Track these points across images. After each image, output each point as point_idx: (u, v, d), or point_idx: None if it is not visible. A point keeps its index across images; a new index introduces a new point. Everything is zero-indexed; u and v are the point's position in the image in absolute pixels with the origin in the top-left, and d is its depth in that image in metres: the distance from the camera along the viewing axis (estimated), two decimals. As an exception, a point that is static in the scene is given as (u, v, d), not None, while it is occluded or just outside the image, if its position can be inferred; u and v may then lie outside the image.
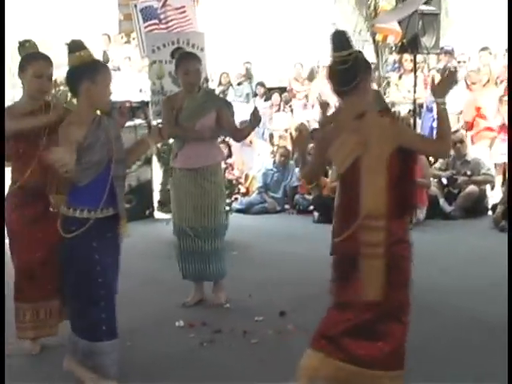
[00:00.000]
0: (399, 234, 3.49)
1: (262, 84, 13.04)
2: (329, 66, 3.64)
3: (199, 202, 5.54)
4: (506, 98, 9.98)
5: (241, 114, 9.68)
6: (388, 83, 11.55)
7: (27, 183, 4.39)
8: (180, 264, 5.76)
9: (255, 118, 5.37)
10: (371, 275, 3.44)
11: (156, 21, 8.90)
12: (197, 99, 5.51)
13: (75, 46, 3.82)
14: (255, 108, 5.46)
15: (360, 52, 3.61)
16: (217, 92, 9.20)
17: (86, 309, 3.85)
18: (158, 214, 9.36)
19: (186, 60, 5.52)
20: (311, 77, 12.53)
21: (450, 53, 11.98)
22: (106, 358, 3.88)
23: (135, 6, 9.26)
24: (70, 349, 4.01)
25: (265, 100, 12.73)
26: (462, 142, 9.68)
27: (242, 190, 8.53)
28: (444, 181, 9.52)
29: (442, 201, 9.28)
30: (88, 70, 3.77)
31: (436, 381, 4.12)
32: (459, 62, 11.51)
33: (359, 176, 3.43)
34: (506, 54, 11.23)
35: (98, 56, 13.33)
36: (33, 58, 4.42)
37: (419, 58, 11.26)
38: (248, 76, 12.88)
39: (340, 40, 3.52)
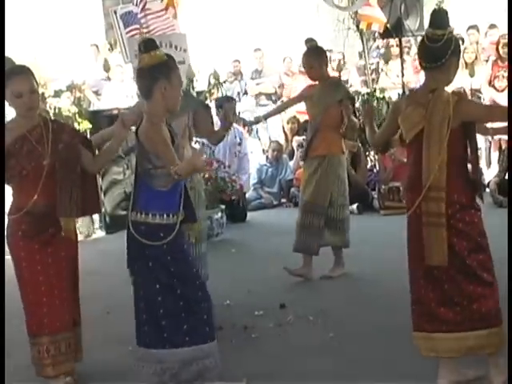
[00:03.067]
0: (463, 202, 3.65)
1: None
2: (421, 41, 3.81)
3: None
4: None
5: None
6: (374, 70, 11.49)
7: (35, 207, 4.02)
8: None
9: (227, 119, 5.26)
10: (434, 242, 3.63)
11: (137, 26, 8.82)
12: None
13: (149, 46, 3.68)
14: (225, 109, 5.34)
15: (451, 33, 3.71)
16: (206, 91, 9.16)
17: (187, 313, 3.72)
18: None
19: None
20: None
21: (436, 34, 11.91)
22: (211, 360, 3.77)
23: (115, 12, 9.21)
24: (148, 372, 3.80)
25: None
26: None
27: (237, 187, 8.51)
28: None
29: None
30: (164, 70, 3.67)
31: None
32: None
33: (422, 148, 3.65)
34: (489, 31, 11.21)
35: (90, 66, 13.34)
36: (8, 77, 4.02)
37: (405, 41, 11.27)
38: (236, 74, 12.85)
39: (440, 18, 3.70)
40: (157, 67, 3.64)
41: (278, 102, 12.12)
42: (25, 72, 4.09)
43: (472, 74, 10.52)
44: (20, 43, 13.93)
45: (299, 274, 6.11)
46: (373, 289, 5.68)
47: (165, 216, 3.69)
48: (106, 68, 13.35)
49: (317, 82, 6.15)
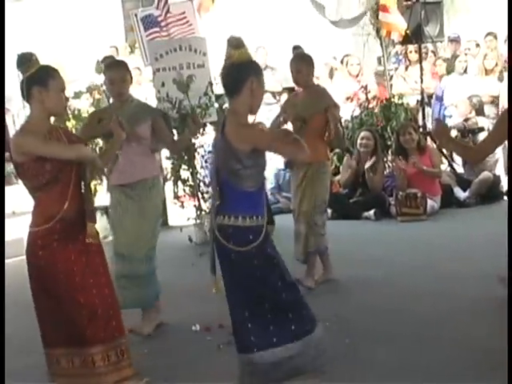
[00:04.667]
0: None
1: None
2: None
3: (133, 221, 5.16)
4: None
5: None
6: (391, 76, 11.47)
7: (67, 214, 3.86)
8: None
9: (194, 123, 5.11)
10: None
11: (157, 29, 8.89)
12: (129, 110, 5.15)
13: (239, 43, 3.63)
14: (193, 114, 5.19)
15: None
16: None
17: (273, 315, 3.66)
18: (171, 221, 9.37)
19: (111, 69, 5.24)
20: (331, 74, 12.49)
21: (456, 40, 11.90)
22: (300, 359, 3.71)
23: (135, 15, 9.27)
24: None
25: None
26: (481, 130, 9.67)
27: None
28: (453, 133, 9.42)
29: (455, 189, 9.23)
30: (254, 67, 3.66)
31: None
32: (468, 49, 11.43)
33: None
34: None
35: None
36: (54, 71, 3.89)
37: (423, 47, 11.23)
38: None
39: None
40: (247, 64, 3.63)
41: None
42: (57, 71, 3.99)
43: (501, 79, 10.49)
44: (40, 44, 14.03)
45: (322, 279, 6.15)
46: (388, 295, 5.66)
47: (254, 218, 3.62)
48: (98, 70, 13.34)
49: (297, 90, 6.13)
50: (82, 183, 3.95)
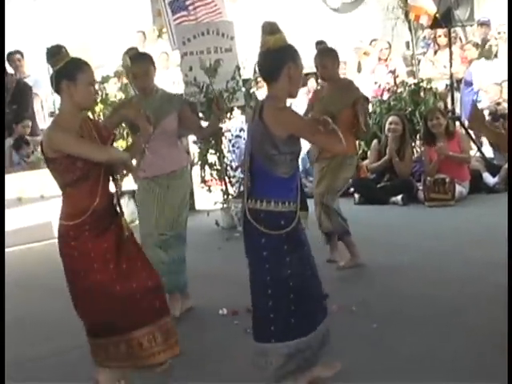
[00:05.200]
0: None
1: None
2: None
3: (163, 209, 5.19)
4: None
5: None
6: (419, 61, 11.38)
7: (97, 209, 3.85)
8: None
9: (218, 108, 5.04)
10: None
11: (185, 12, 8.89)
12: (153, 103, 5.09)
13: (274, 28, 3.61)
14: (216, 98, 5.09)
15: None
16: (252, 79, 9.16)
17: (296, 306, 3.66)
18: (198, 205, 9.40)
19: (134, 62, 5.13)
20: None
21: (486, 24, 11.77)
22: (310, 352, 3.72)
23: (163, -1, 9.28)
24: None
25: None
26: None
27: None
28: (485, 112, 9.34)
29: (485, 174, 9.14)
30: (291, 52, 3.64)
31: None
32: (499, 33, 11.28)
33: None
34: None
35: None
36: (83, 64, 3.84)
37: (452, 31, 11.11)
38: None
39: None
40: (284, 49, 3.61)
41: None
42: (87, 64, 3.92)
43: None
44: (67, 29, 14.10)
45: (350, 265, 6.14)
46: (415, 280, 5.64)
47: (286, 203, 3.62)
48: None
49: (320, 87, 6.08)
50: (111, 179, 3.96)
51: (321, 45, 6.06)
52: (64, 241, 3.88)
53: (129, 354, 3.92)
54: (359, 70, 12.24)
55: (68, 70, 3.79)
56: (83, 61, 3.86)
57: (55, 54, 3.83)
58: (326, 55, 6.01)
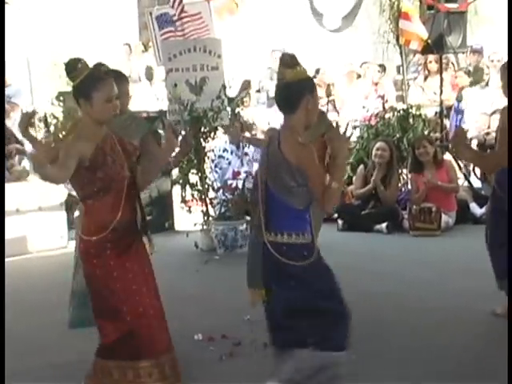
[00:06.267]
0: None
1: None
2: None
3: None
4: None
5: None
6: (408, 86, 11.48)
7: (120, 224, 3.82)
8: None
9: (186, 145, 4.67)
10: None
11: (172, 28, 8.95)
12: (119, 122, 4.55)
13: (294, 61, 3.70)
14: (185, 135, 4.86)
15: None
16: (237, 99, 9.20)
17: (337, 319, 3.75)
18: (178, 226, 9.40)
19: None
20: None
21: (479, 52, 11.88)
22: (341, 369, 3.80)
23: (150, 13, 9.32)
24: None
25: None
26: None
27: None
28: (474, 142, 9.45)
29: (472, 205, 9.21)
30: (310, 85, 3.74)
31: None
32: (492, 61, 11.40)
33: None
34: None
35: (122, 66, 13.42)
36: (99, 79, 3.77)
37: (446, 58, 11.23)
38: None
39: None
40: (303, 82, 3.70)
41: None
42: (111, 75, 3.89)
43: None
44: (52, 39, 14.14)
45: None
46: (396, 309, 5.66)
47: (306, 235, 3.71)
48: (149, 75, 13.38)
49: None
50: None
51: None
52: (86, 258, 3.88)
53: (135, 382, 3.90)
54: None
55: (83, 88, 3.77)
56: (100, 75, 3.79)
57: (72, 69, 3.81)
58: None
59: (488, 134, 10.11)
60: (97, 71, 3.79)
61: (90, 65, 3.80)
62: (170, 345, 4.02)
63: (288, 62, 3.71)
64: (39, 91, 12.98)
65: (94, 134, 3.83)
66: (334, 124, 4.12)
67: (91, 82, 3.76)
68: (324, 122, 5.87)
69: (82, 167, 3.74)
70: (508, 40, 6.06)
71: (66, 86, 12.83)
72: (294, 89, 3.68)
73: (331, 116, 11.01)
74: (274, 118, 8.41)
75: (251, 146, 9.38)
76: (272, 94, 12.34)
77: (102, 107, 3.77)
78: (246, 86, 11.26)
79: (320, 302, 3.72)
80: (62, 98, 9.29)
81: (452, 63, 12.16)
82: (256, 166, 9.96)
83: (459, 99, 10.32)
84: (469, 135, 10.12)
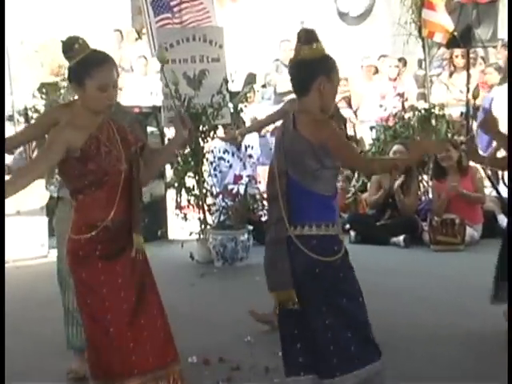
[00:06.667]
0: None
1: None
2: None
3: None
4: None
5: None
6: (431, 82, 11.52)
7: (113, 222, 3.80)
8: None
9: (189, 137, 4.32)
10: None
11: (169, 14, 8.98)
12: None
13: (310, 37, 3.70)
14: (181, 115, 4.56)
15: None
16: (241, 95, 9.23)
17: (354, 334, 3.75)
18: (172, 235, 9.43)
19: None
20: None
21: (511, 45, 11.93)
22: (379, 379, 3.83)
23: (145, -3, 9.36)
24: None
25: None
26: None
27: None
28: None
29: (500, 217, 9.23)
30: (325, 65, 3.72)
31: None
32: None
33: None
34: None
35: (112, 53, 13.45)
36: (94, 64, 3.75)
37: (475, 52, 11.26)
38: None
39: None
40: (318, 61, 3.69)
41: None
42: (111, 60, 3.86)
43: None
44: (36, 22, 14.20)
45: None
46: (411, 330, 5.70)
47: (335, 226, 3.73)
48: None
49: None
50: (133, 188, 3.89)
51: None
52: (72, 258, 3.86)
53: None
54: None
55: (77, 73, 3.78)
56: (97, 60, 3.77)
57: (68, 49, 3.81)
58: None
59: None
60: (94, 54, 3.79)
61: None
62: (175, 356, 4.05)
63: (304, 37, 3.71)
64: (19, 81, 13.05)
65: (88, 120, 3.81)
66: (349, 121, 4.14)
67: (85, 67, 3.75)
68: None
69: (72, 158, 3.73)
70: (508, 41, 6.13)
71: (48, 76, 12.91)
72: (307, 68, 3.69)
73: (345, 113, 11.07)
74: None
75: (257, 148, 9.42)
76: (279, 88, 12.41)
77: (94, 95, 3.76)
78: (251, 79, 11.30)
79: (346, 305, 3.73)
80: (44, 90, 9.36)
81: (481, 58, 12.20)
82: (261, 170, 10.10)
83: (475, 95, 10.32)
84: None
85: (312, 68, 3.68)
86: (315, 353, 3.78)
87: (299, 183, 3.70)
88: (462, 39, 10.00)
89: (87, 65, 3.74)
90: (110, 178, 3.79)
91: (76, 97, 4.02)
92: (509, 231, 4.21)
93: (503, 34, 11.44)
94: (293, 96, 4.01)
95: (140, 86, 12.35)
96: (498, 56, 12.15)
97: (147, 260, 4.00)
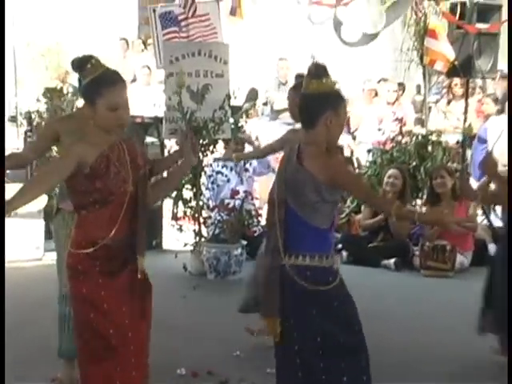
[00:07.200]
0: None
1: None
2: None
3: None
4: None
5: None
6: (429, 108, 11.56)
7: (114, 241, 3.78)
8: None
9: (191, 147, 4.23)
10: None
11: (176, 28, 8.98)
12: None
13: (320, 71, 3.73)
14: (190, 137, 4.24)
15: None
16: (242, 111, 9.24)
17: (348, 363, 3.72)
18: (166, 245, 9.42)
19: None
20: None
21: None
22: None
23: (154, 10, 9.36)
24: None
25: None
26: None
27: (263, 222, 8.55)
28: None
29: (491, 246, 9.21)
30: (333, 100, 3.74)
31: None
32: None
33: None
34: None
35: (117, 62, 13.45)
36: (105, 84, 3.75)
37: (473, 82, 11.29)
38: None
39: None
40: (326, 96, 3.72)
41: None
42: (123, 81, 3.88)
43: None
44: (43, 24, 14.21)
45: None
46: (396, 355, 5.69)
47: (329, 258, 3.74)
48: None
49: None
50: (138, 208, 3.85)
51: (299, 79, 5.93)
52: (72, 273, 3.84)
53: None
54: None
55: (88, 92, 3.80)
56: (108, 80, 3.78)
57: (81, 68, 3.82)
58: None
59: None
60: (106, 74, 3.80)
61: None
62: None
63: (313, 71, 3.74)
64: (24, 83, 13.05)
65: (100, 138, 3.81)
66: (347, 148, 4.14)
67: (96, 87, 3.75)
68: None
69: (81, 173, 3.71)
70: (508, 44, 6.16)
71: (52, 79, 12.91)
72: (316, 102, 3.72)
73: (344, 139, 11.07)
74: (278, 132, 8.41)
75: (252, 162, 9.42)
76: (277, 106, 12.41)
77: (104, 115, 3.76)
78: (254, 95, 11.31)
79: (340, 334, 3.71)
80: (48, 95, 9.35)
81: (480, 87, 12.25)
82: (257, 185, 10.10)
83: (466, 132, 10.32)
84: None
85: (320, 102, 3.70)
86: (308, 381, 3.74)
87: (297, 214, 3.70)
88: (463, 69, 10.00)
89: (99, 84, 3.75)
90: (115, 198, 3.78)
91: (79, 105, 4.03)
92: (509, 235, 4.23)
93: (503, 65, 11.48)
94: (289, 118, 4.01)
95: (142, 96, 12.34)
96: (496, 87, 12.21)
97: (148, 277, 3.96)
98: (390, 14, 9.31)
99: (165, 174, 4.36)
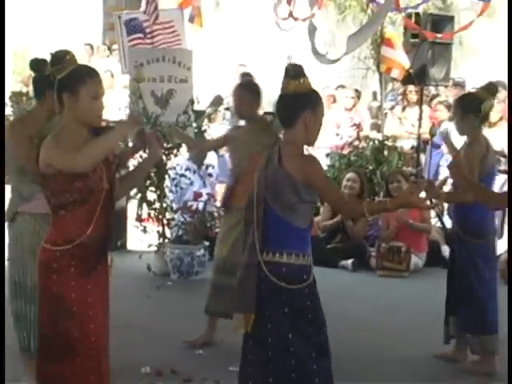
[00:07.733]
0: None
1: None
2: None
3: None
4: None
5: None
6: (385, 114, 11.66)
7: (90, 239, 3.73)
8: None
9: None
10: None
11: (141, 35, 8.98)
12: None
13: (298, 72, 3.70)
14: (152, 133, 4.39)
15: None
16: (205, 115, 9.25)
17: (318, 364, 3.69)
18: (130, 246, 9.39)
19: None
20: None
21: (460, 85, 12.13)
22: None
23: (119, 17, 9.34)
24: None
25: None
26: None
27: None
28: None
29: (444, 247, 9.31)
30: (311, 100, 3.73)
31: None
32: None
33: None
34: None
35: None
36: (87, 75, 3.73)
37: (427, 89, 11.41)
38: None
39: None
40: (304, 96, 3.71)
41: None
42: (99, 74, 3.87)
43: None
44: (9, 30, 14.08)
45: (204, 342, 5.86)
46: (349, 356, 5.70)
47: (306, 256, 3.72)
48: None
49: (242, 123, 6.05)
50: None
51: (245, 77, 5.94)
52: (45, 271, 3.77)
53: None
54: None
55: (69, 81, 3.71)
56: (88, 70, 3.78)
57: (58, 61, 3.75)
58: (245, 89, 5.94)
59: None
60: (84, 66, 3.81)
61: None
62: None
63: (292, 72, 3.73)
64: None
65: (76, 136, 3.73)
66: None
67: (79, 76, 3.71)
68: (271, 134, 5.73)
69: (61, 173, 3.66)
70: (508, 44, 6.22)
71: (17, 83, 12.79)
72: (293, 102, 3.71)
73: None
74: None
75: (215, 167, 9.43)
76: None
77: (88, 104, 3.70)
78: (218, 101, 11.30)
79: (311, 334, 3.71)
80: (14, 99, 9.27)
81: (433, 95, 12.38)
82: (219, 188, 10.10)
83: (433, 133, 10.46)
84: (446, 173, 10.31)
85: (298, 102, 3.70)
86: (274, 379, 3.72)
87: (277, 213, 3.70)
88: (417, 77, 10.12)
89: (82, 73, 3.73)
90: (92, 196, 3.72)
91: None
92: (509, 236, 4.29)
93: (455, 74, 11.66)
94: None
95: (107, 100, 12.24)
96: (448, 94, 12.35)
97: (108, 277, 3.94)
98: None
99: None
